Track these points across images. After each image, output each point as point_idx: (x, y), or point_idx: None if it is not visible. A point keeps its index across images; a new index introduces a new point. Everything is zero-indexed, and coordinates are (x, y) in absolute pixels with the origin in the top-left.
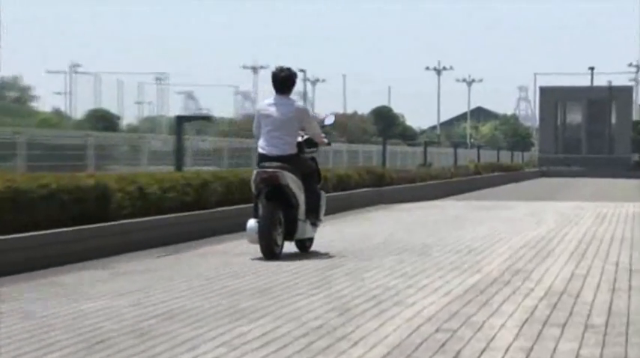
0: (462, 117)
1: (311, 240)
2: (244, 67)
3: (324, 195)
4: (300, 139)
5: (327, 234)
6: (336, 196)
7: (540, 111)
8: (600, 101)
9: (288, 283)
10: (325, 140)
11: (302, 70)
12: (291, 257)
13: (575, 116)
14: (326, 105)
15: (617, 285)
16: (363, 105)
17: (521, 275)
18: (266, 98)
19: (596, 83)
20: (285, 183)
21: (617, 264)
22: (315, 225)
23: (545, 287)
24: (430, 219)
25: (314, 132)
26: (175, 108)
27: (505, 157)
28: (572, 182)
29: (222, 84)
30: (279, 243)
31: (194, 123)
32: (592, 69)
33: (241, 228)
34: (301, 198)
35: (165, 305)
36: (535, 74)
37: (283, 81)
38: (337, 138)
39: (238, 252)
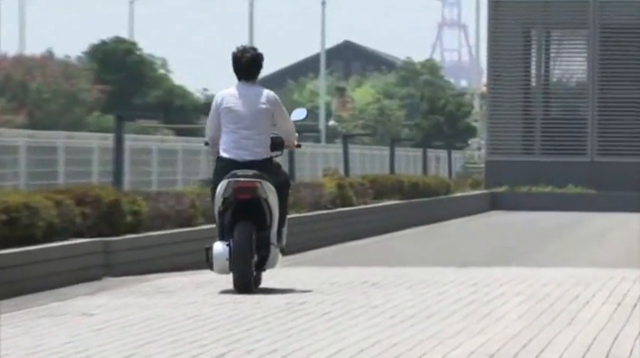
0: (307, 68)
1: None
2: None
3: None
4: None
5: None
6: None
7: (490, 56)
8: (628, 29)
9: None
10: (296, 141)
11: None
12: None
13: (570, 66)
14: None
15: None
16: (65, 38)
17: None
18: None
19: None
20: (265, 196)
21: None
22: (283, 251)
23: None
24: (220, 315)
25: (288, 129)
26: None
27: (411, 163)
28: (566, 222)
29: None
30: (254, 273)
31: None
32: None
33: None
34: (276, 216)
35: None
36: None
37: (248, 64)
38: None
39: None
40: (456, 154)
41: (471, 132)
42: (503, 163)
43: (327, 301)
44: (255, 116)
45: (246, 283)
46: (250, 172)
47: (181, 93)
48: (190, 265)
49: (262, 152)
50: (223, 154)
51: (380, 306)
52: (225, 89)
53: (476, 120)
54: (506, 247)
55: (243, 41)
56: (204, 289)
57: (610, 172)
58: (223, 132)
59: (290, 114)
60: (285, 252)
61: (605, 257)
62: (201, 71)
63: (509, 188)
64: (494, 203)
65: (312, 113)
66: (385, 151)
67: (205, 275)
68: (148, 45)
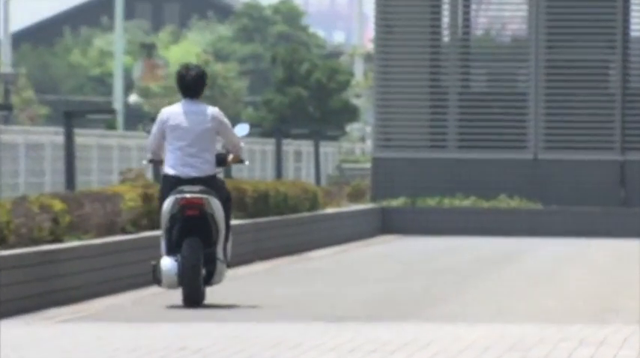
0: (95, 13)
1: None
2: None
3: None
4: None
5: None
6: None
7: None
8: None
9: None
10: (241, 155)
11: None
12: None
13: (502, 12)
14: None
15: None
16: None
17: None
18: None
19: None
20: (211, 212)
21: None
22: (228, 265)
23: None
24: None
25: (234, 144)
26: None
27: (258, 162)
28: (497, 253)
29: None
30: (203, 288)
31: None
32: None
33: None
34: (222, 231)
35: None
36: None
37: (193, 82)
38: None
39: None
40: (327, 148)
41: (351, 113)
42: (399, 162)
43: None
44: (201, 134)
45: (196, 298)
46: (197, 188)
47: None
48: None
49: (207, 169)
50: (169, 171)
51: None
52: (170, 106)
53: (358, 96)
54: (404, 292)
55: None
56: None
57: (563, 176)
58: (169, 149)
59: (236, 129)
60: (230, 266)
61: (555, 307)
62: None
63: (409, 200)
64: (386, 223)
65: (105, 84)
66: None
67: None
68: None
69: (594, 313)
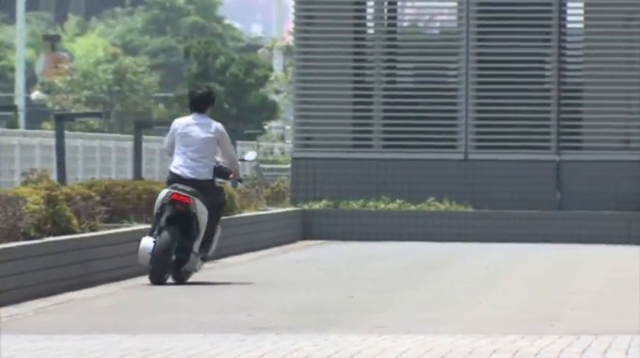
0: None
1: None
2: None
3: (219, 230)
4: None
5: None
6: None
7: None
8: None
9: None
10: (239, 172)
11: None
12: None
13: (430, 2)
14: None
15: None
16: None
17: None
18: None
19: None
20: (194, 212)
21: None
22: (204, 259)
23: None
24: None
25: (232, 158)
26: None
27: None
28: (426, 260)
29: None
30: (168, 270)
31: None
32: None
33: None
34: (203, 230)
35: None
36: None
37: (200, 99)
38: None
39: None
40: (244, 147)
41: (270, 110)
42: (320, 163)
43: None
44: (203, 143)
45: (160, 276)
46: (188, 189)
47: None
48: None
49: (205, 173)
50: (173, 170)
51: None
52: (182, 118)
53: (277, 92)
54: (326, 301)
55: None
56: None
57: (495, 177)
58: (176, 152)
59: (245, 155)
60: (205, 260)
61: (488, 316)
62: None
63: (332, 203)
64: (308, 228)
65: (6, 79)
66: (127, 143)
67: None
68: None
69: (529, 323)
